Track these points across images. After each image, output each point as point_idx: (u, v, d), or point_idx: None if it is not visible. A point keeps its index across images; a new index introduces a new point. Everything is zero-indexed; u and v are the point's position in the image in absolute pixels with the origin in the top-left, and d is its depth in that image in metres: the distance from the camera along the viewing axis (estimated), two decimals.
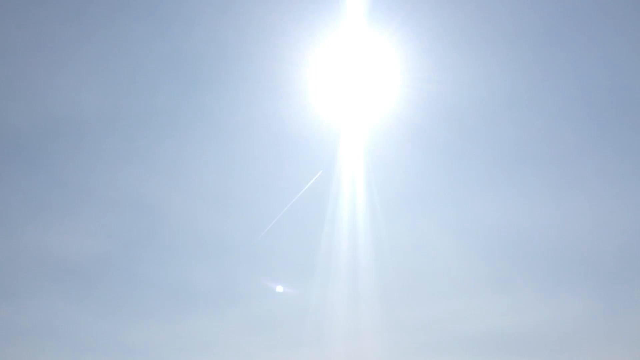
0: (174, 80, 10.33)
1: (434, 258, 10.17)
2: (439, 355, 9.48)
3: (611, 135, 10.39)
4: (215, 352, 9.63)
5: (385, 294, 9.68)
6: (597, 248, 9.96)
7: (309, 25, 9.84)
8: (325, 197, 9.76)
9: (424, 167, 10.42)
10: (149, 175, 10.35)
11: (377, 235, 9.76)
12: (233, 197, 10.36)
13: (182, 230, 10.25)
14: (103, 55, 10.29)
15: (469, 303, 9.88)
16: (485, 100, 10.36)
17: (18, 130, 10.26)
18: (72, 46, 10.25)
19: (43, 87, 10.23)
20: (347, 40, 9.73)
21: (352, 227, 9.70)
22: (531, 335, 9.56)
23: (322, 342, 9.43)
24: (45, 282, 9.81)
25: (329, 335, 9.36)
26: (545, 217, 10.29)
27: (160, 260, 10.21)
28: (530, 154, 10.51)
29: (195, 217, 10.37)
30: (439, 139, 10.27)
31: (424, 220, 10.30)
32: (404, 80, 9.95)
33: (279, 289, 9.87)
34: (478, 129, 10.42)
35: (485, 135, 10.46)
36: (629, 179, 10.24)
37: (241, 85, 10.23)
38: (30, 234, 10.09)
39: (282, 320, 9.81)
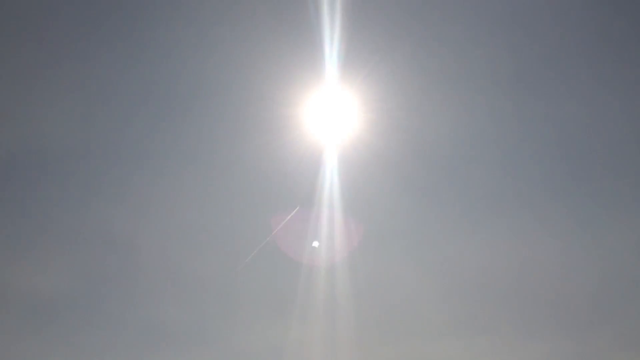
0: (148, 112, 10.13)
1: (412, 299, 10.18)
2: None
3: (588, 180, 10.52)
4: None
5: (363, 334, 9.66)
6: (574, 291, 10.08)
7: (289, 63, 9.77)
8: (303, 234, 9.68)
9: (402, 207, 10.43)
10: (120, 210, 10.13)
11: (355, 274, 9.73)
12: (207, 233, 10.20)
13: (153, 266, 10.05)
14: (73, 84, 10.04)
15: (446, 343, 9.91)
16: (465, 141, 10.41)
17: None
18: (39, 75, 9.98)
19: (7, 118, 9.94)
20: (326, 79, 9.69)
21: (330, 265, 9.66)
22: None
23: None
24: (7, 319, 9.52)
25: None
26: (522, 259, 10.38)
27: (130, 297, 9.99)
28: (508, 195, 10.59)
29: (168, 253, 10.18)
30: (418, 179, 10.29)
31: (402, 260, 10.30)
32: (383, 120, 9.94)
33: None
34: (457, 170, 10.47)
35: (464, 176, 10.51)
36: (607, 224, 10.38)
37: (217, 119, 10.09)
38: None
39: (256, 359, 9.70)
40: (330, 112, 10.00)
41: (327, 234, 9.65)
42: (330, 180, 10.00)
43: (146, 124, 10.18)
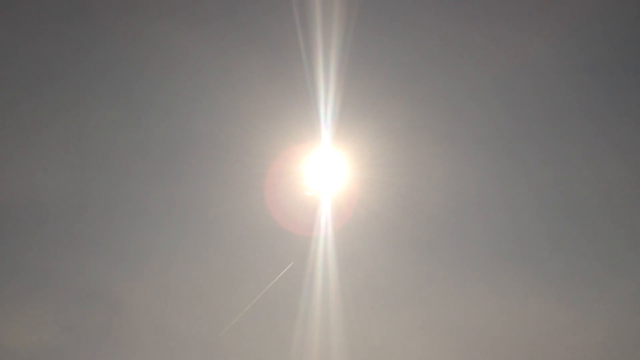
0: (144, 168, 10.12)
1: (406, 358, 9.93)
2: None
3: (581, 238, 10.48)
4: None
5: None
6: (569, 353, 9.88)
7: (283, 118, 9.88)
8: (297, 293, 9.52)
9: (395, 264, 10.32)
10: (111, 265, 9.95)
11: (349, 333, 9.51)
12: (198, 290, 10.01)
13: (142, 323, 9.79)
14: (70, 138, 10.08)
15: None
16: (456, 197, 10.42)
17: None
18: (36, 126, 10.02)
19: (3, 169, 9.91)
20: (319, 136, 9.79)
21: (324, 326, 9.45)
22: None
23: None
24: None
25: None
26: (516, 318, 10.23)
27: (116, 354, 9.68)
28: (500, 252, 10.51)
29: (156, 309, 9.93)
30: (410, 236, 10.23)
31: (396, 319, 10.10)
32: (374, 176, 9.97)
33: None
34: (449, 226, 10.43)
35: (456, 232, 10.47)
36: (600, 282, 10.28)
37: (213, 176, 10.09)
38: None
39: None
40: (324, 168, 10.05)
41: (322, 288, 9.49)
42: (325, 235, 9.92)
43: (139, 179, 10.17)
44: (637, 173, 10.09)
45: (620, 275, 10.07)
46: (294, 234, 9.91)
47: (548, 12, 9.62)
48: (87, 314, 9.65)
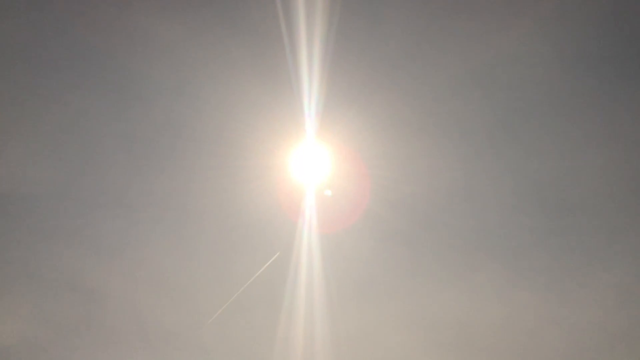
0: (124, 160, 10.00)
1: (389, 351, 9.89)
2: None
3: (563, 231, 10.54)
4: None
5: None
6: (548, 347, 9.91)
7: (267, 112, 9.84)
8: (281, 286, 9.44)
9: (380, 257, 10.29)
10: (91, 257, 9.80)
11: (333, 326, 9.45)
12: (180, 284, 9.89)
13: (122, 317, 9.64)
14: (51, 130, 9.94)
15: None
16: (442, 190, 10.43)
17: None
18: (17, 117, 9.88)
19: None
20: (303, 128, 9.75)
21: (309, 318, 9.38)
22: None
23: None
24: None
25: None
26: (500, 312, 10.24)
27: (97, 347, 9.52)
28: (485, 246, 10.53)
29: (138, 304, 9.79)
30: (394, 228, 10.21)
31: (379, 312, 10.06)
32: (360, 169, 9.95)
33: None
34: (434, 219, 10.43)
35: (441, 225, 10.47)
36: (583, 275, 10.33)
37: (195, 169, 10.00)
38: None
39: None
40: (308, 161, 10.01)
41: (306, 280, 9.43)
42: (309, 229, 9.87)
43: (120, 171, 10.04)
44: (619, 166, 10.18)
45: (603, 269, 10.14)
46: (278, 227, 9.85)
47: (530, 4, 9.70)
48: (66, 307, 9.48)
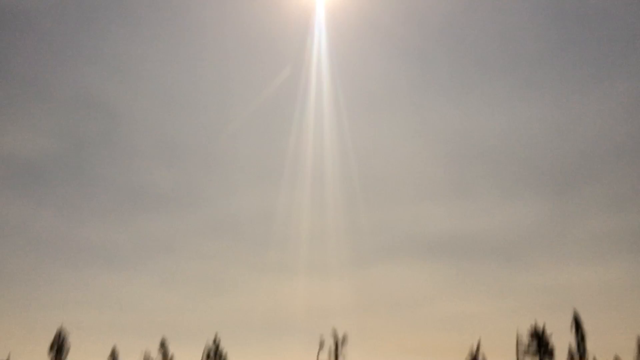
0: None
1: (397, 163, 10.27)
2: (400, 256, 9.79)
3: (579, 45, 10.37)
4: (175, 254, 9.60)
5: (349, 198, 9.77)
6: (552, 155, 10.22)
7: None
8: (292, 102, 9.52)
9: (389, 72, 10.29)
10: (109, 75, 9.85)
11: (342, 139, 9.69)
12: (195, 98, 9.99)
13: (140, 130, 9.93)
14: None
15: (430, 207, 10.13)
16: (454, 3, 10.11)
17: None
18: None
19: None
20: None
21: (318, 132, 9.58)
22: (488, 238, 9.91)
23: (287, 245, 9.53)
24: None
25: (294, 238, 9.44)
26: (507, 122, 10.45)
27: (117, 160, 9.94)
28: (500, 57, 10.45)
29: (155, 118, 10.03)
30: (406, 43, 10.06)
31: (388, 126, 10.29)
32: None
33: None
34: (444, 33, 10.24)
35: (451, 40, 10.32)
36: (591, 87, 10.36)
37: None
38: None
39: (245, 223, 9.78)
40: None
41: (316, 95, 9.47)
42: (319, 40, 9.68)
43: None
44: None
45: (611, 80, 10.06)
46: (289, 41, 9.66)
47: None
48: (85, 122, 9.67)
